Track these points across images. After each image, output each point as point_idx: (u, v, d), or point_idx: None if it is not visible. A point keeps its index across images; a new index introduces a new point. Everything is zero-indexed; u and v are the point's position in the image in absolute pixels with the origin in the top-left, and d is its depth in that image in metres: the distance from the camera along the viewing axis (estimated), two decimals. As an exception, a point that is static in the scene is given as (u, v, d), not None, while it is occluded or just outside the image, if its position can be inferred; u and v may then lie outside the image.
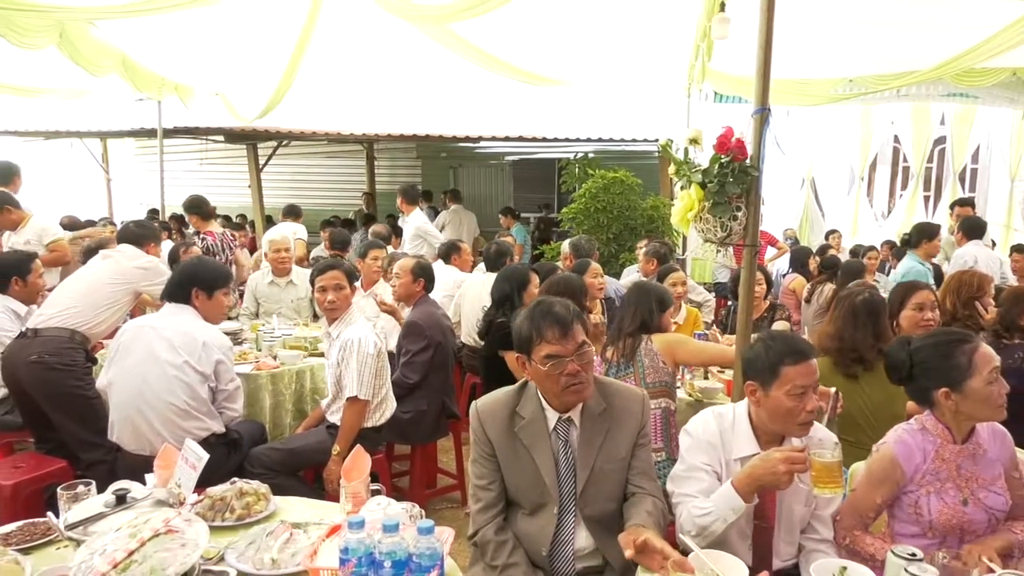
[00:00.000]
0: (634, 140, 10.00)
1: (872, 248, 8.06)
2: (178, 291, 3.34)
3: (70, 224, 7.33)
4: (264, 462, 3.39)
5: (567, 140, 10.13)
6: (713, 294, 8.85)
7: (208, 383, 3.23)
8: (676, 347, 3.37)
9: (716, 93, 7.49)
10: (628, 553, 1.89)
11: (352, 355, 3.42)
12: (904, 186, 12.35)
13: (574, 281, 3.88)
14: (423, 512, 2.10)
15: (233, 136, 10.11)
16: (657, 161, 9.79)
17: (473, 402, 2.31)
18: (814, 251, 7.85)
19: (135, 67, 6.44)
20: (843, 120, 11.38)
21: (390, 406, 3.67)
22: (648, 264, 5.68)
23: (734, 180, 2.75)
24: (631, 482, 2.23)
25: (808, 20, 4.81)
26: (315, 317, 5.43)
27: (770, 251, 9.31)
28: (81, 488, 2.18)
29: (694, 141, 2.91)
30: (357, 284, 4.22)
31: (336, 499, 3.03)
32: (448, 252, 6.10)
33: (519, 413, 2.23)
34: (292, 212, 8.27)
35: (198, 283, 3.36)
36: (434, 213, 10.94)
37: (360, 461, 2.22)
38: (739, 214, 2.80)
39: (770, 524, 2.15)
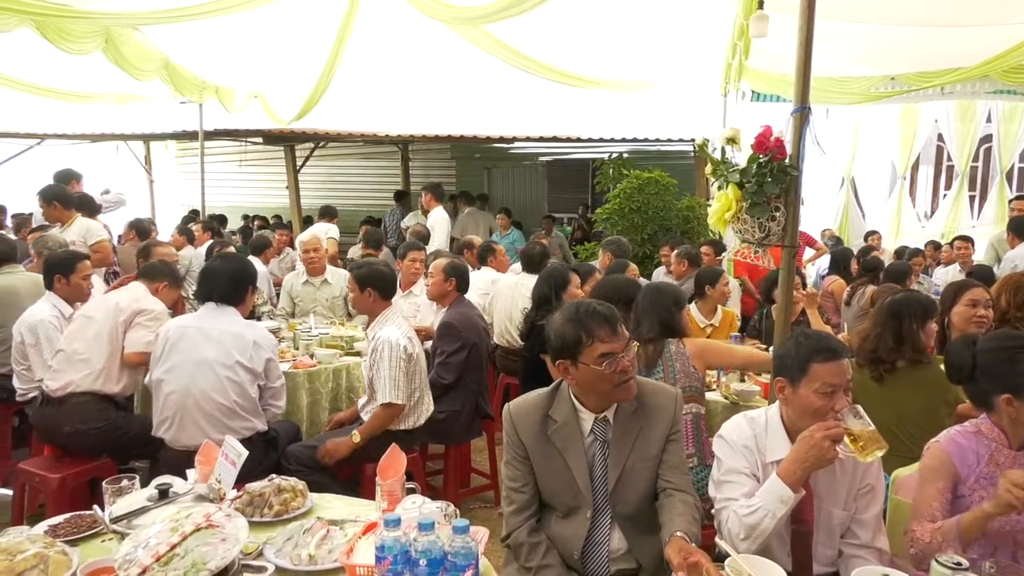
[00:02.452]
0: (669, 140, 9.92)
1: (918, 252, 7.85)
2: (234, 291, 3.36)
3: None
4: (299, 459, 3.44)
5: (601, 140, 10.08)
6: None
7: (258, 381, 3.28)
8: (707, 351, 3.31)
9: (753, 92, 7.40)
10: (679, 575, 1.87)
11: (383, 358, 3.44)
12: (948, 186, 12.03)
13: (625, 283, 3.84)
14: (458, 511, 2.11)
15: (271, 138, 10.27)
16: (693, 161, 9.69)
17: (506, 404, 2.31)
18: (855, 252, 7.69)
19: (177, 70, 6.58)
20: (884, 118, 11.12)
21: (425, 411, 3.67)
22: (680, 266, 5.62)
23: (773, 180, 2.71)
24: (661, 476, 2.22)
25: (849, 17, 4.72)
26: (349, 316, 5.50)
27: (808, 252, 9.15)
28: (125, 482, 2.24)
29: (732, 141, 2.88)
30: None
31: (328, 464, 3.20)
32: (485, 253, 6.12)
33: (552, 416, 2.22)
34: (328, 213, 8.39)
35: (251, 281, 3.45)
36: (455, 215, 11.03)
37: (396, 460, 2.24)
38: (778, 214, 2.76)
39: (808, 528, 2.12)
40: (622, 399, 2.18)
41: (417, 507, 2.02)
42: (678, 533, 1.99)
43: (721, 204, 2.88)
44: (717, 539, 2.03)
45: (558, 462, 2.19)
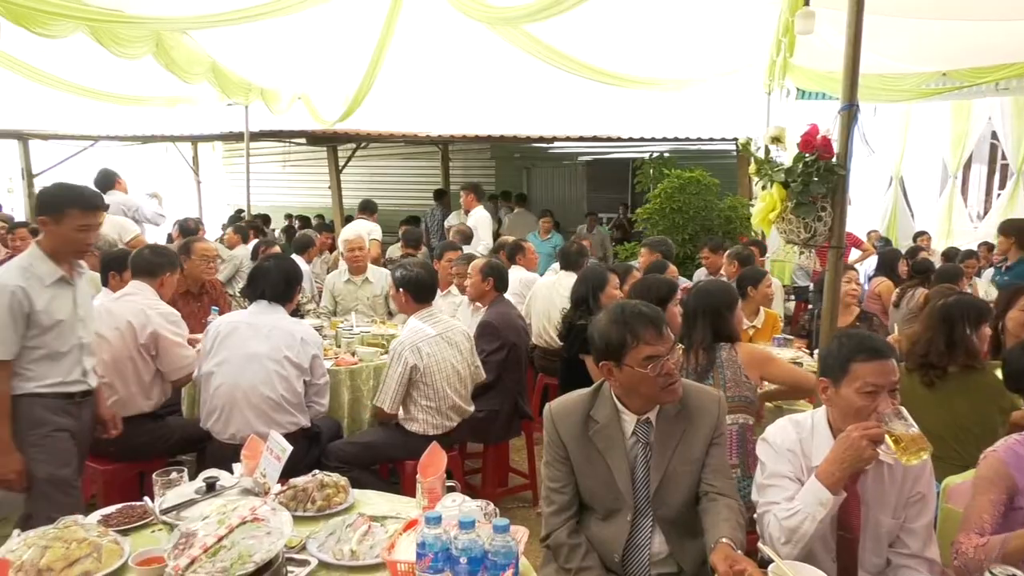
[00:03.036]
0: (711, 139, 9.81)
1: (972, 254, 7.61)
2: (285, 290, 3.44)
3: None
4: (340, 456, 3.50)
5: (642, 140, 10.02)
6: (793, 297, 8.59)
7: (304, 377, 3.35)
8: (766, 364, 3.14)
9: (798, 89, 7.26)
10: None
11: (389, 361, 3.57)
12: (1002, 185, 11.62)
13: (662, 283, 3.77)
14: (498, 510, 2.12)
15: (314, 139, 10.43)
16: (735, 160, 9.56)
17: (547, 404, 2.31)
18: (903, 253, 7.50)
19: (224, 73, 6.72)
20: (935, 115, 10.81)
21: (424, 426, 3.59)
22: (731, 266, 5.54)
23: (819, 179, 2.66)
24: (704, 480, 2.19)
25: (898, 12, 4.60)
26: (390, 314, 5.55)
27: (854, 253, 8.96)
28: (174, 475, 2.30)
29: (777, 139, 2.84)
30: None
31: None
32: (514, 252, 6.09)
33: (593, 417, 2.21)
34: (367, 208, 8.30)
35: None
36: (510, 212, 11.06)
37: (437, 458, 2.26)
38: (824, 214, 2.70)
39: (854, 535, 2.07)
40: (667, 401, 2.16)
41: (457, 505, 2.03)
42: (724, 540, 1.96)
43: (765, 204, 2.83)
44: (760, 544, 1.99)
45: (599, 463, 2.18)
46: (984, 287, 6.86)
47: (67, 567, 1.82)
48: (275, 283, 3.43)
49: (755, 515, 2.15)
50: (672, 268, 4.71)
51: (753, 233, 7.56)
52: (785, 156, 2.84)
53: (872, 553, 2.09)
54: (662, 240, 5.88)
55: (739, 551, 1.94)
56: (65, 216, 2.85)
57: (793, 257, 8.41)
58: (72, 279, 2.95)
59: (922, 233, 9.41)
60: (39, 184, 11.69)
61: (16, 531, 1.96)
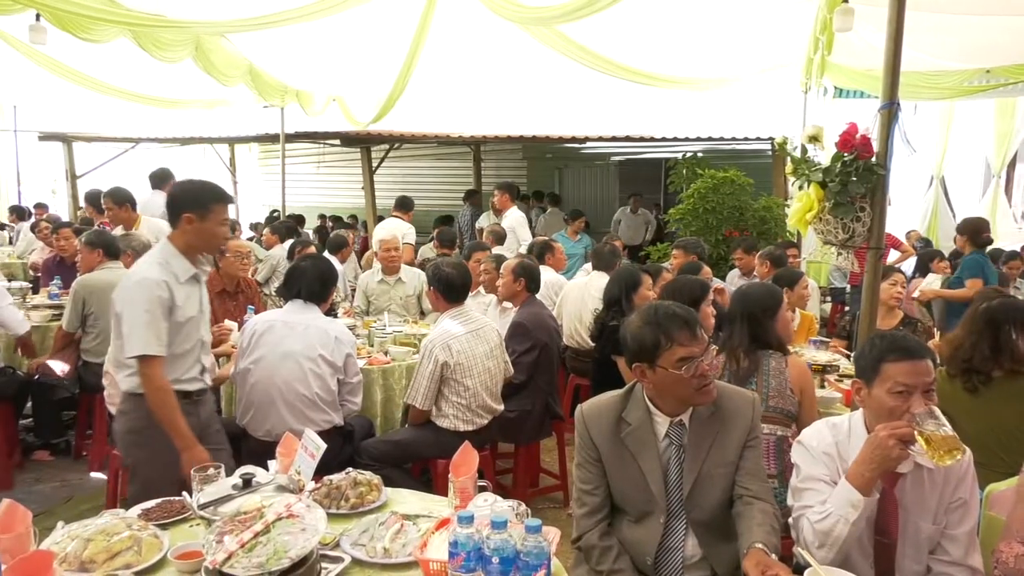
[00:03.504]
0: (746, 139, 9.70)
1: (1015, 255, 7.40)
2: (321, 290, 3.50)
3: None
4: (373, 454, 3.52)
5: (675, 140, 9.94)
6: (828, 299, 8.45)
7: (337, 375, 3.39)
8: (807, 390, 2.99)
9: (836, 88, 7.13)
10: None
11: (420, 359, 3.60)
12: (1049, 185, 11.32)
13: (694, 284, 3.70)
14: (529, 511, 2.11)
15: (348, 140, 10.55)
16: (770, 160, 9.43)
17: (578, 405, 2.30)
18: (946, 255, 7.33)
19: (260, 76, 6.84)
20: (978, 114, 10.53)
21: (455, 421, 3.62)
22: (763, 267, 5.47)
23: (858, 179, 2.62)
24: (738, 483, 2.16)
25: (940, 8, 4.50)
26: (422, 314, 5.58)
27: (892, 254, 8.77)
28: (212, 471, 2.34)
29: (814, 139, 2.80)
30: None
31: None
32: (543, 252, 6.07)
33: (625, 419, 2.20)
34: (403, 205, 8.28)
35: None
36: (541, 213, 11.04)
37: (469, 457, 2.26)
38: (863, 215, 2.66)
39: (892, 540, 2.03)
40: (702, 403, 2.14)
41: (489, 505, 2.04)
42: (758, 544, 1.94)
43: (802, 204, 2.79)
44: (796, 548, 1.97)
45: (631, 466, 2.17)
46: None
47: (109, 559, 1.87)
48: (311, 283, 3.48)
49: (790, 519, 2.12)
50: (706, 269, 4.66)
51: (788, 234, 7.46)
52: (822, 156, 2.80)
53: (912, 560, 2.04)
54: (695, 241, 5.82)
55: (773, 556, 1.91)
56: (211, 212, 2.83)
57: (830, 258, 8.26)
58: (200, 276, 2.95)
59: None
60: (82, 185, 12.04)
61: (60, 523, 2.02)
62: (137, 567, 1.88)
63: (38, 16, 4.89)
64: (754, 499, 2.12)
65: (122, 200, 5.89)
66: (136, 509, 2.25)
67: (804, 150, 2.89)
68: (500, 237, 7.10)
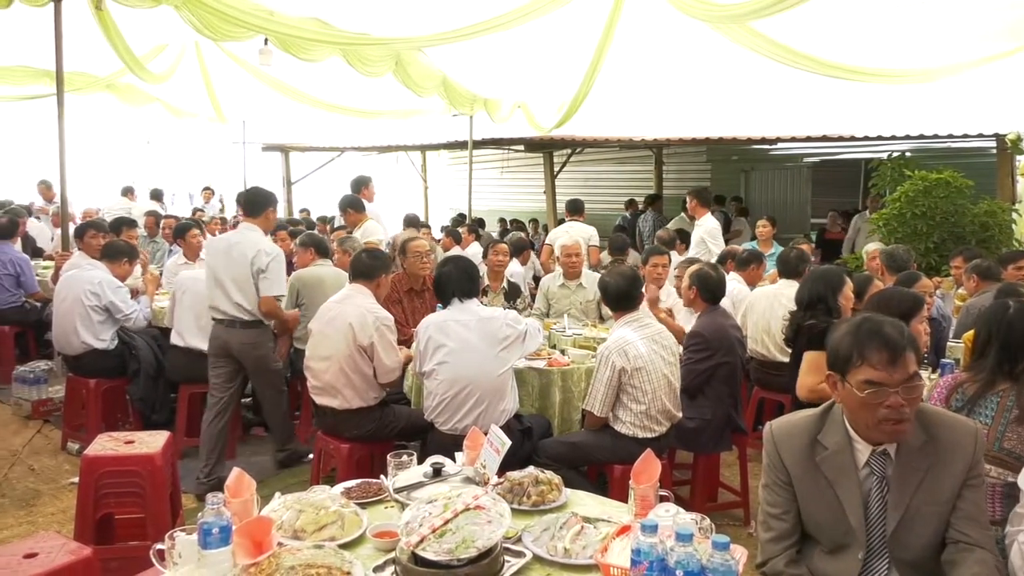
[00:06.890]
0: (965, 136, 8.68)
1: None
2: (471, 285, 3.73)
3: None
4: (550, 453, 3.59)
5: (879, 139, 9.13)
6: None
7: (514, 363, 3.68)
8: None
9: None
10: None
11: (597, 366, 3.61)
12: None
13: (905, 296, 3.33)
14: (713, 526, 2.04)
15: (532, 145, 10.82)
16: (994, 159, 8.39)
17: (767, 423, 2.17)
18: None
19: (453, 86, 7.22)
20: None
21: (633, 428, 3.58)
22: (970, 282, 4.82)
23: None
24: (954, 527, 1.92)
25: None
26: (601, 319, 5.58)
27: None
28: (405, 457, 2.51)
29: (1057, 134, 2.44)
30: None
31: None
32: (747, 262, 5.84)
33: (821, 442, 2.02)
34: (576, 209, 8.33)
35: (478, 275, 3.83)
36: (723, 218, 10.62)
37: (650, 465, 2.23)
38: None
39: None
40: (882, 440, 1.92)
41: (671, 516, 1.99)
42: None
43: (1039, 209, 2.45)
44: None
45: (827, 494, 1.99)
46: None
47: (317, 531, 2.06)
48: (460, 281, 3.68)
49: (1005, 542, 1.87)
50: (925, 281, 4.21)
51: (1015, 242, 6.61)
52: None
53: None
54: (891, 248, 5.28)
55: None
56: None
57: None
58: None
59: None
60: (297, 191, 13.40)
61: (277, 494, 2.25)
62: (340, 540, 2.05)
63: (266, 40, 5.51)
64: (973, 546, 1.89)
65: (343, 206, 6.68)
66: (339, 487, 2.46)
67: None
68: (664, 241, 6.95)
